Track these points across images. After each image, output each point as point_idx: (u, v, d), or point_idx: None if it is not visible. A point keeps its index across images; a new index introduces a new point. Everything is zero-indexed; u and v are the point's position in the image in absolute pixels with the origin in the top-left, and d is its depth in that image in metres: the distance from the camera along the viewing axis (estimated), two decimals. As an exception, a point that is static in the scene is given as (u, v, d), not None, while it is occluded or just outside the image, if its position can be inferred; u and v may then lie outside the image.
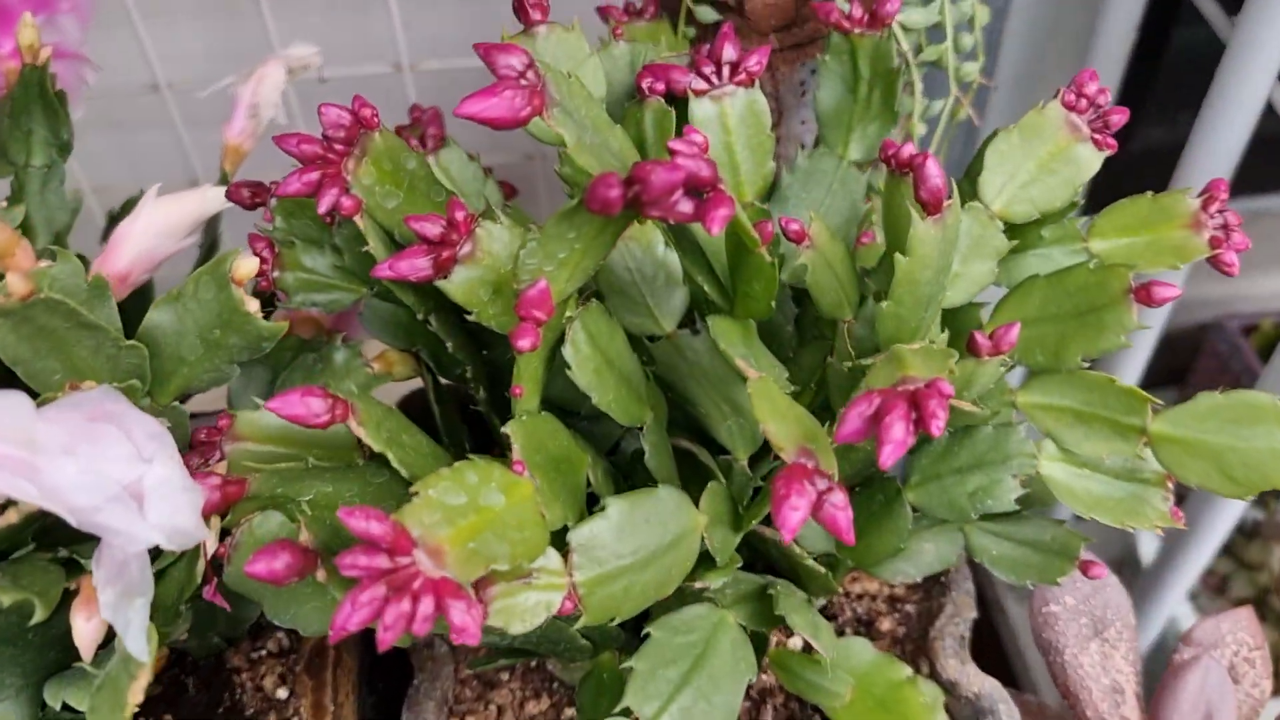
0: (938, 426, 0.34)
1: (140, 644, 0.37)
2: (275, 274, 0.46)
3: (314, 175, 0.40)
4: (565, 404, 0.47)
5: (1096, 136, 0.48)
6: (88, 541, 0.38)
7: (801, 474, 0.35)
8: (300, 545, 0.35)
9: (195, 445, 0.42)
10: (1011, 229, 0.48)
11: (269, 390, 0.46)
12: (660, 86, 0.48)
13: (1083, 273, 0.47)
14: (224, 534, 0.39)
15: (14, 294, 0.39)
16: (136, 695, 0.39)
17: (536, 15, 0.49)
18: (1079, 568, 0.50)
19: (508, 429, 0.38)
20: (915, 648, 0.56)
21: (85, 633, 0.40)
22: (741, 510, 0.47)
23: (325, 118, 0.41)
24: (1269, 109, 0.71)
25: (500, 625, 0.37)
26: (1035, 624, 0.58)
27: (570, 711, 0.56)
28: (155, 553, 0.38)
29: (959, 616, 0.55)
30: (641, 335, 0.47)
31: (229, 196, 0.46)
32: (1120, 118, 0.48)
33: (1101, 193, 0.82)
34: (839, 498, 0.35)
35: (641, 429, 0.44)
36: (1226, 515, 0.78)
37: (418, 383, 0.53)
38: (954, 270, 0.47)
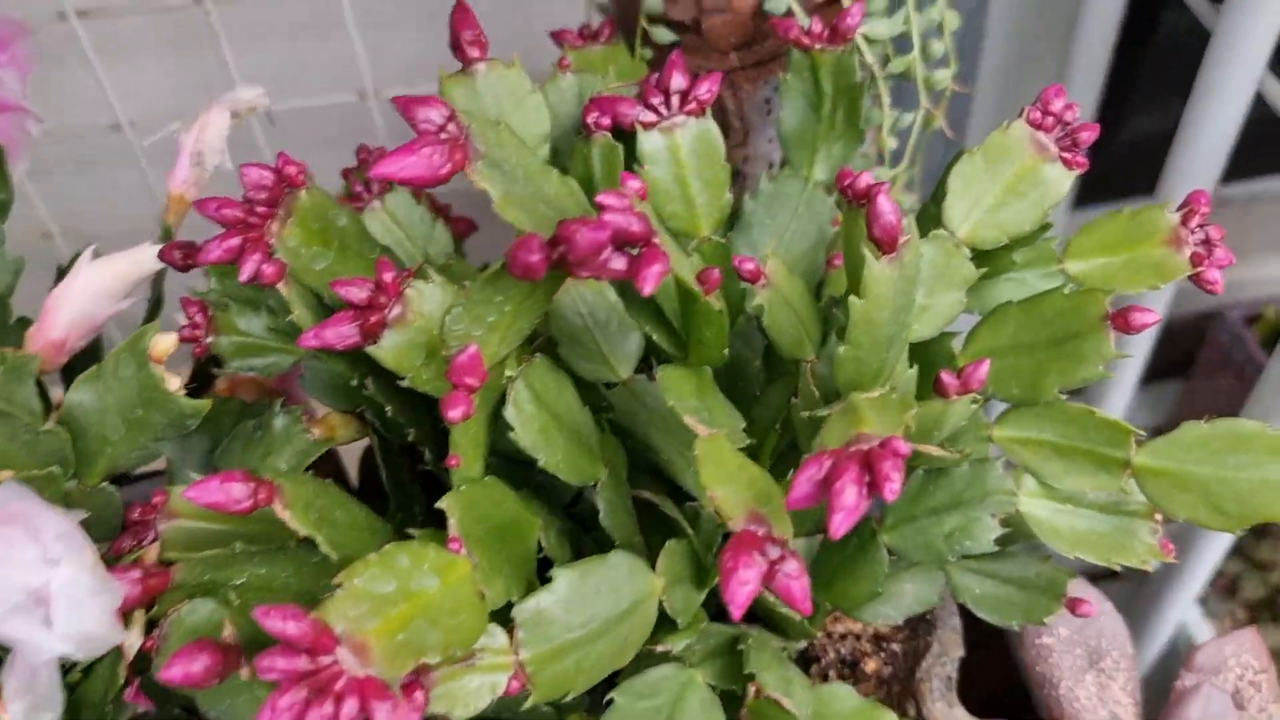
0: (891, 490, 0.32)
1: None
2: (209, 339, 0.44)
3: (235, 241, 0.38)
4: (519, 455, 0.45)
5: (1065, 155, 0.45)
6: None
7: (750, 543, 0.33)
8: (223, 643, 0.33)
9: (129, 525, 0.40)
10: (980, 255, 0.46)
11: (208, 460, 0.44)
12: (606, 121, 0.46)
13: (1057, 298, 0.45)
14: (152, 625, 0.37)
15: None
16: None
17: (474, 52, 0.47)
18: (1066, 606, 0.47)
19: (443, 503, 0.36)
20: (902, 689, 0.54)
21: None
22: (711, 562, 0.45)
23: (246, 178, 0.39)
24: (1259, 96, 0.69)
25: (444, 711, 0.35)
26: (1028, 658, 0.56)
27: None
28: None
29: (945, 656, 0.52)
30: (597, 382, 0.45)
31: (162, 257, 0.44)
32: (1090, 134, 0.45)
33: (1093, 185, 0.79)
34: (793, 566, 0.33)
35: (595, 485, 0.42)
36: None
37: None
38: (920, 303, 0.45)
